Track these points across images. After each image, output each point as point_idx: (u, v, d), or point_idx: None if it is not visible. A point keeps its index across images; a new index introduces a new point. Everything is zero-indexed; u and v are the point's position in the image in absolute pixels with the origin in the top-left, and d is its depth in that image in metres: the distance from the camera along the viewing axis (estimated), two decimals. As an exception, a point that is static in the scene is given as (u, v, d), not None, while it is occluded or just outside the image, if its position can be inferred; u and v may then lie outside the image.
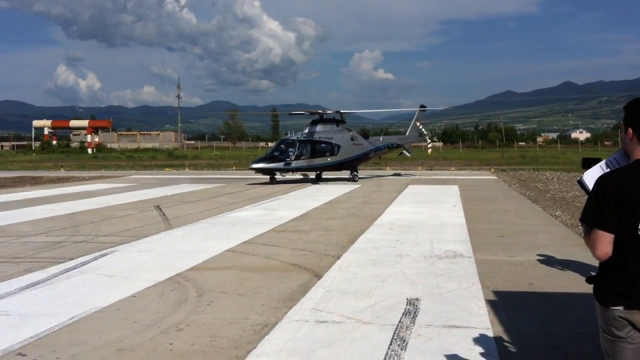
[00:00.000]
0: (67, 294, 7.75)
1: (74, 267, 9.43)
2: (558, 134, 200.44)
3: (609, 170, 3.82)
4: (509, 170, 39.34)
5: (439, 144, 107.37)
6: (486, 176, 34.09)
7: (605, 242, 3.17)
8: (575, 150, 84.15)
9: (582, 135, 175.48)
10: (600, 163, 4.04)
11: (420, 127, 36.40)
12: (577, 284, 7.98)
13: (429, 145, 37.92)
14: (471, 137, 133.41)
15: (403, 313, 6.68)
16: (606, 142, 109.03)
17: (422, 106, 36.90)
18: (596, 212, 3.20)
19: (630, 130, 3.33)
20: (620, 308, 3.19)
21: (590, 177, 3.99)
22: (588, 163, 4.24)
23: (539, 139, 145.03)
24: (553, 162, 50.01)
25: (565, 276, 8.60)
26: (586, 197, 3.46)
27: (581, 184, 4.08)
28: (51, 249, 11.15)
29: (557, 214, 15.76)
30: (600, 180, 3.28)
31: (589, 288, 7.52)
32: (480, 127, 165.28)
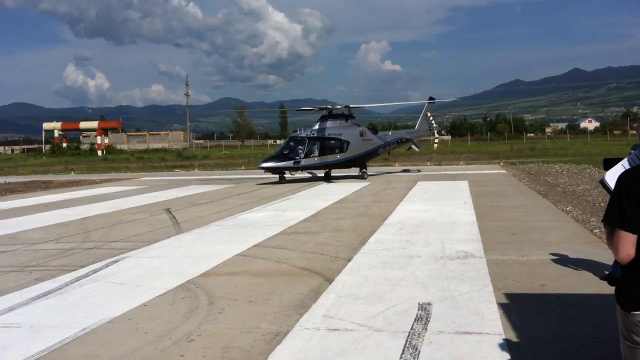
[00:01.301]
0: (79, 304, 7.77)
1: (85, 275, 9.46)
2: (567, 123, 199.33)
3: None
4: (518, 163, 39.13)
5: (448, 137, 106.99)
6: (495, 170, 33.92)
7: (629, 243, 3.06)
8: (584, 141, 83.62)
9: (591, 124, 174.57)
10: (622, 161, 3.96)
11: (431, 118, 36.15)
12: (590, 285, 7.91)
13: (436, 140, 37.64)
14: (479, 130, 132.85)
15: (415, 319, 6.63)
16: (615, 132, 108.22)
17: (430, 98, 36.58)
18: (618, 212, 3.10)
19: None
20: None
21: (613, 176, 3.90)
22: (609, 163, 4.16)
23: (548, 130, 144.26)
24: (562, 153, 49.70)
25: (577, 276, 8.51)
26: (601, 191, 3.37)
27: (603, 184, 4.01)
28: (62, 256, 11.20)
29: (568, 209, 15.62)
30: (620, 179, 3.17)
31: (601, 289, 7.44)
32: (488, 119, 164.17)
